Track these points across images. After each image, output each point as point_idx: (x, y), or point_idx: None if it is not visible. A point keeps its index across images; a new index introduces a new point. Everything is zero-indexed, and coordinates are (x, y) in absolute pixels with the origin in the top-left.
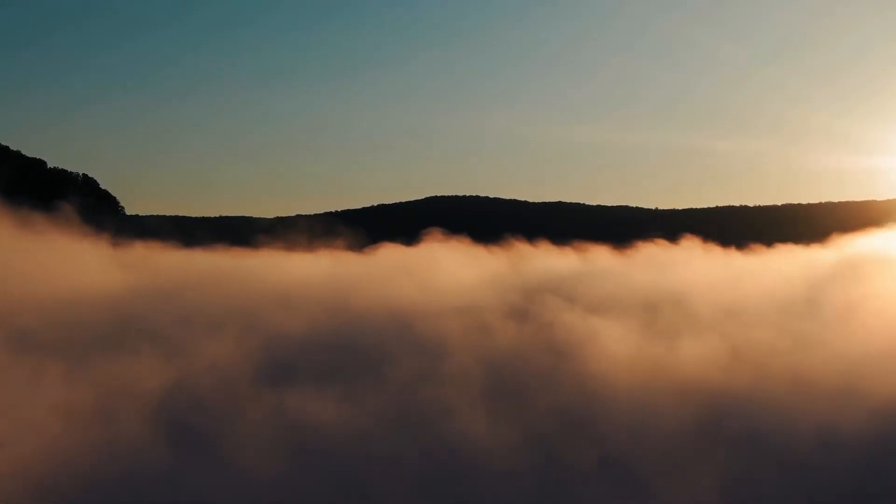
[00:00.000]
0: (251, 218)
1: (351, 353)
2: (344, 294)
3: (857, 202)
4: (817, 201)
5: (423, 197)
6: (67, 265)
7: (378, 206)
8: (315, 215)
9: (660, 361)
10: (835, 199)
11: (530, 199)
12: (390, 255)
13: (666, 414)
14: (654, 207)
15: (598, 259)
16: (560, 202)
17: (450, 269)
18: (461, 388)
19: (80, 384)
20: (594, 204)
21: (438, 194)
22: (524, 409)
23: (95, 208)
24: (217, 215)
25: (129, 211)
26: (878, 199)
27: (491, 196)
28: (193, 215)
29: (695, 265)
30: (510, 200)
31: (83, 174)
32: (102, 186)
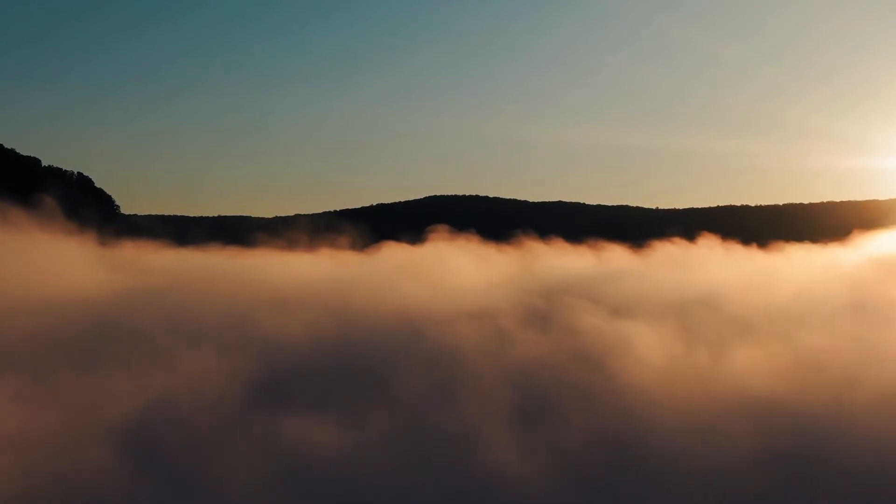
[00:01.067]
0: (249, 217)
1: (355, 366)
2: (346, 297)
3: (858, 202)
4: (818, 201)
5: (422, 196)
6: (46, 265)
7: (377, 205)
8: (314, 214)
9: (707, 372)
10: (836, 199)
11: (530, 199)
12: (394, 255)
13: (719, 434)
14: (654, 207)
15: (614, 258)
16: (560, 201)
17: (458, 269)
18: (482, 407)
19: (40, 404)
20: (594, 203)
21: (438, 194)
22: (556, 431)
23: (80, 203)
24: (216, 215)
25: (125, 210)
26: (881, 198)
27: (490, 196)
28: (192, 215)
29: (717, 264)
30: (510, 200)
31: (78, 172)
32: (98, 185)
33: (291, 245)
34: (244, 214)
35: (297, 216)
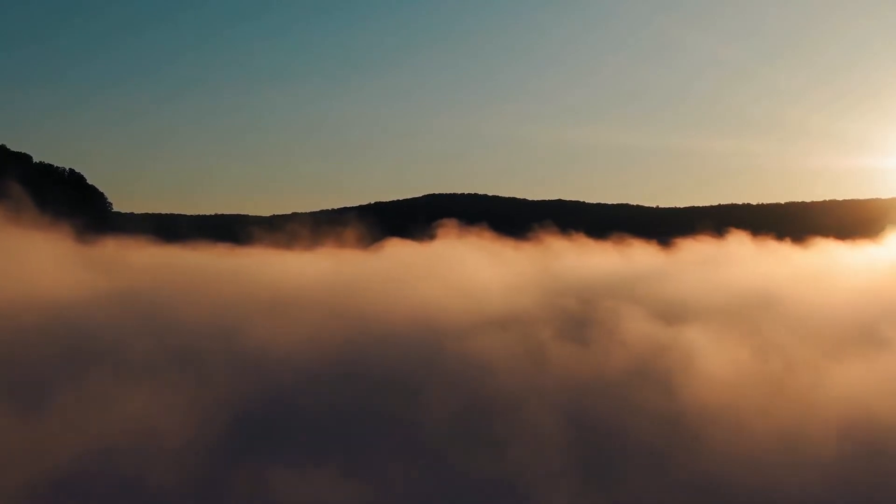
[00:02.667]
0: (246, 216)
1: (363, 394)
2: (349, 303)
3: (861, 200)
4: (820, 199)
5: (420, 195)
6: (10, 264)
7: (375, 203)
8: (313, 213)
9: (791, 386)
10: (839, 198)
11: (529, 198)
12: (400, 253)
13: (825, 460)
14: (654, 206)
15: (643, 256)
16: (560, 200)
17: (473, 267)
18: (525, 444)
19: None
20: (594, 202)
21: (437, 192)
22: (621, 470)
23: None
24: (213, 213)
25: (118, 208)
26: (883, 197)
27: (490, 194)
28: (188, 213)
29: (756, 261)
30: (508, 198)
31: (69, 169)
32: (90, 182)
33: (290, 242)
34: (241, 213)
35: (295, 214)
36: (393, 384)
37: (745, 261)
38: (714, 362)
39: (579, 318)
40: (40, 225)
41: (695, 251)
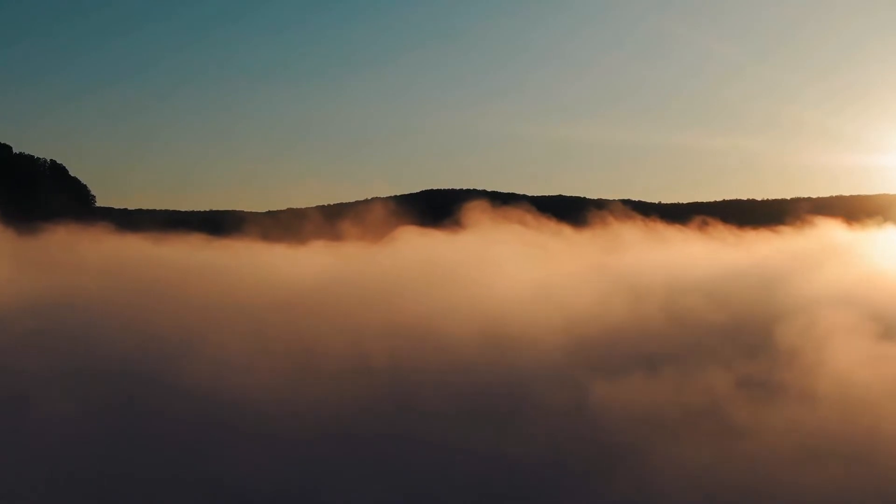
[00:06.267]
0: (240, 212)
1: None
2: (367, 310)
3: (867, 196)
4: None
5: (418, 190)
6: None
7: (373, 199)
8: (308, 208)
9: None
10: (845, 194)
11: (529, 193)
12: (419, 246)
13: None
14: (656, 202)
15: (754, 247)
16: (560, 195)
17: (525, 265)
18: None
19: None
20: (595, 198)
21: (435, 188)
22: None
23: None
24: (208, 209)
25: (101, 203)
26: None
27: (489, 189)
28: (182, 209)
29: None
30: (508, 194)
31: (51, 160)
32: (72, 174)
33: (282, 235)
34: (233, 209)
35: (290, 210)
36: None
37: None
38: None
39: (754, 331)
40: None
41: (818, 241)
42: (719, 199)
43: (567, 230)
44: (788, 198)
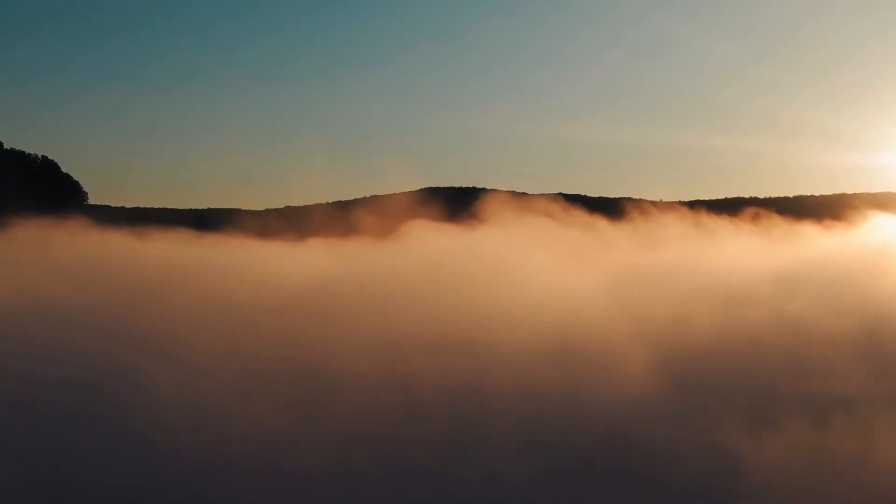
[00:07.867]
0: (238, 210)
1: None
2: (374, 321)
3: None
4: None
5: (416, 189)
6: None
7: (371, 196)
8: (306, 206)
9: None
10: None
11: (528, 191)
12: (433, 243)
13: None
14: (658, 200)
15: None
16: (560, 193)
17: (561, 262)
18: None
19: None
20: (596, 196)
21: (433, 185)
22: None
23: None
24: (204, 207)
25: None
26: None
27: (488, 188)
28: (178, 207)
29: None
30: (508, 192)
31: (42, 156)
32: (64, 171)
33: (278, 232)
34: (230, 207)
35: (288, 208)
36: None
37: None
38: None
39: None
40: None
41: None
42: (720, 197)
43: (602, 222)
44: (791, 196)
